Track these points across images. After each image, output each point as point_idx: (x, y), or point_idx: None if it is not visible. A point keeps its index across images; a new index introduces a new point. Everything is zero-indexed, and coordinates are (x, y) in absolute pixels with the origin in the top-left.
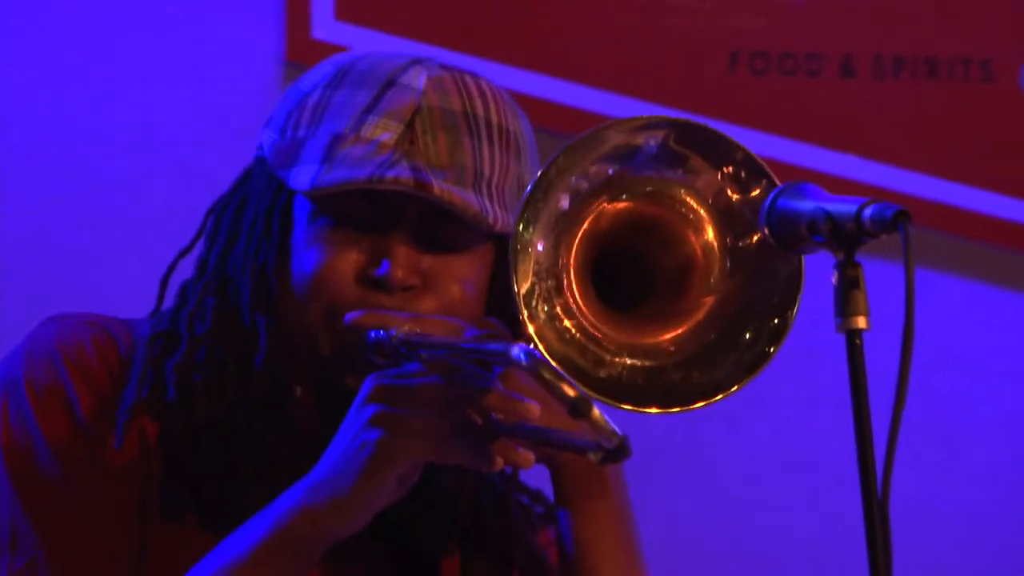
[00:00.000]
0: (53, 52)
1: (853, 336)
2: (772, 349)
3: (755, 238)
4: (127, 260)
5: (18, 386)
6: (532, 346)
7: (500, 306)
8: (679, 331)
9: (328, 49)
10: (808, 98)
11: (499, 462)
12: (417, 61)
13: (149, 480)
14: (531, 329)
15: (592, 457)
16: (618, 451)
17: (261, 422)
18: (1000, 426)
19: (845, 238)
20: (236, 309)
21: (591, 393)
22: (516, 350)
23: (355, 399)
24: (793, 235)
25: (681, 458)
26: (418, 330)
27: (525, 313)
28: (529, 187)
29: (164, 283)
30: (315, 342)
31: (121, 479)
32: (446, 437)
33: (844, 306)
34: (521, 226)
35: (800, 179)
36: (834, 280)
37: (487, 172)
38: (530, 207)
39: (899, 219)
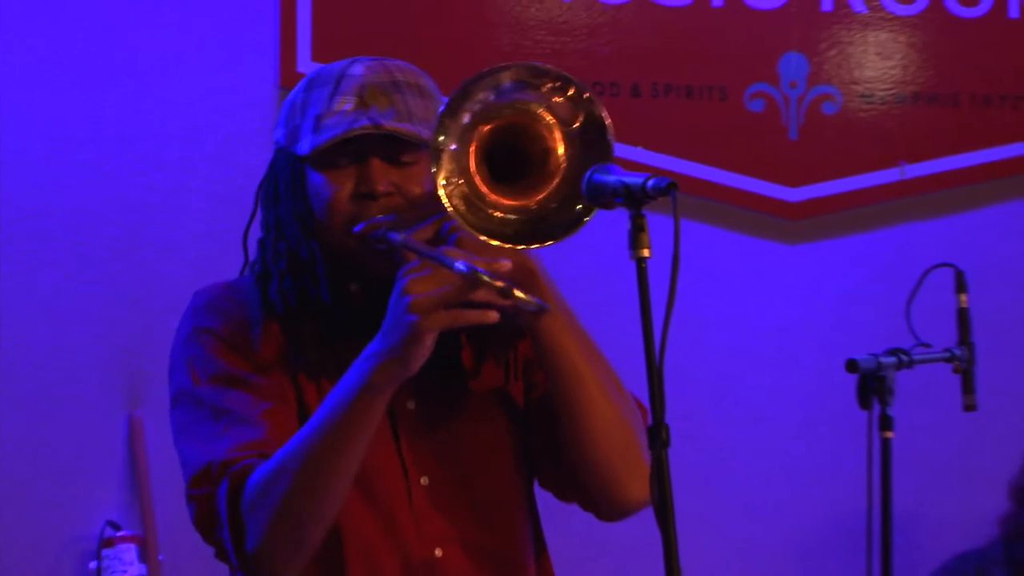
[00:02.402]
0: (61, 76)
1: (640, 262)
2: (586, 216)
3: (576, 125)
4: (133, 266)
5: (198, 332)
6: (446, 204)
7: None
8: (544, 194)
9: None
10: (611, 111)
11: (493, 316)
12: (355, 60)
13: (285, 355)
14: (445, 201)
15: (531, 309)
16: (540, 308)
17: (334, 309)
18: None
19: (636, 200)
20: (296, 245)
21: (481, 234)
22: (459, 264)
23: (394, 290)
24: (603, 198)
25: None
26: (402, 230)
27: (442, 191)
28: (440, 110)
29: (244, 243)
30: (343, 249)
31: (272, 359)
32: (452, 312)
33: (635, 243)
34: (439, 136)
35: (607, 163)
36: (629, 227)
37: (415, 111)
38: (442, 124)
39: (670, 187)
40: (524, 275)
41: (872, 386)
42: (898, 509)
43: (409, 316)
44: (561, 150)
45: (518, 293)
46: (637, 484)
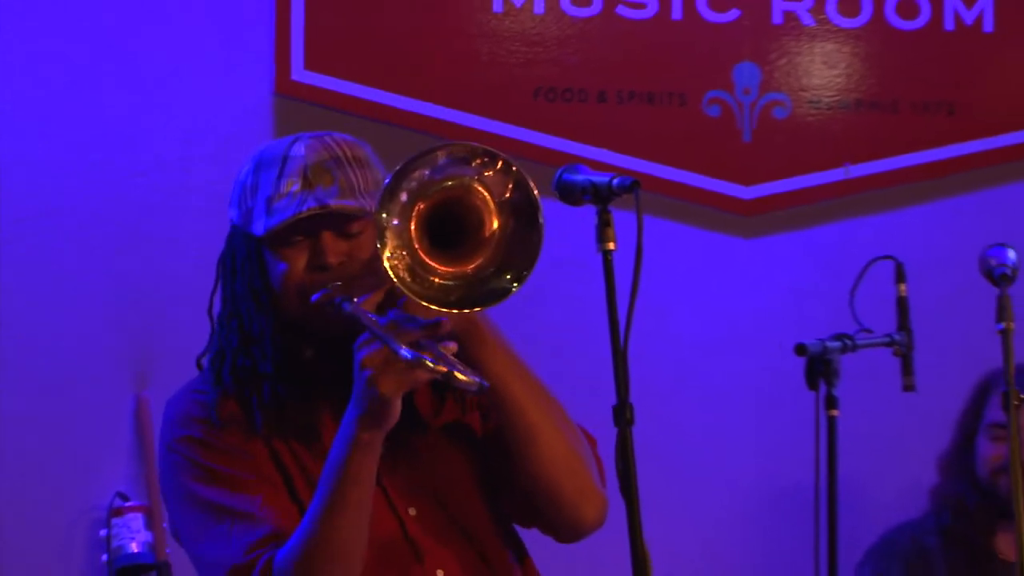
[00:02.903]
0: (69, 84)
1: (606, 254)
2: (516, 285)
3: (507, 195)
4: (137, 259)
5: (177, 442)
6: (391, 276)
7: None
8: (480, 260)
9: (301, 88)
10: (579, 115)
11: (443, 369)
12: (297, 138)
13: (251, 433)
14: (391, 274)
15: (472, 390)
16: (480, 388)
17: (284, 377)
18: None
19: (602, 197)
20: (247, 321)
21: (424, 301)
22: (403, 352)
23: (354, 362)
24: (572, 195)
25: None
26: (353, 297)
27: (387, 264)
28: (381, 190)
29: (210, 314)
30: (299, 318)
31: (244, 443)
32: (408, 374)
33: (601, 236)
34: (382, 214)
35: (576, 162)
36: (596, 221)
37: (356, 184)
38: (383, 202)
39: (633, 186)
40: (467, 327)
41: (819, 368)
42: (842, 480)
43: (372, 389)
44: (494, 219)
45: (459, 376)
46: (589, 508)
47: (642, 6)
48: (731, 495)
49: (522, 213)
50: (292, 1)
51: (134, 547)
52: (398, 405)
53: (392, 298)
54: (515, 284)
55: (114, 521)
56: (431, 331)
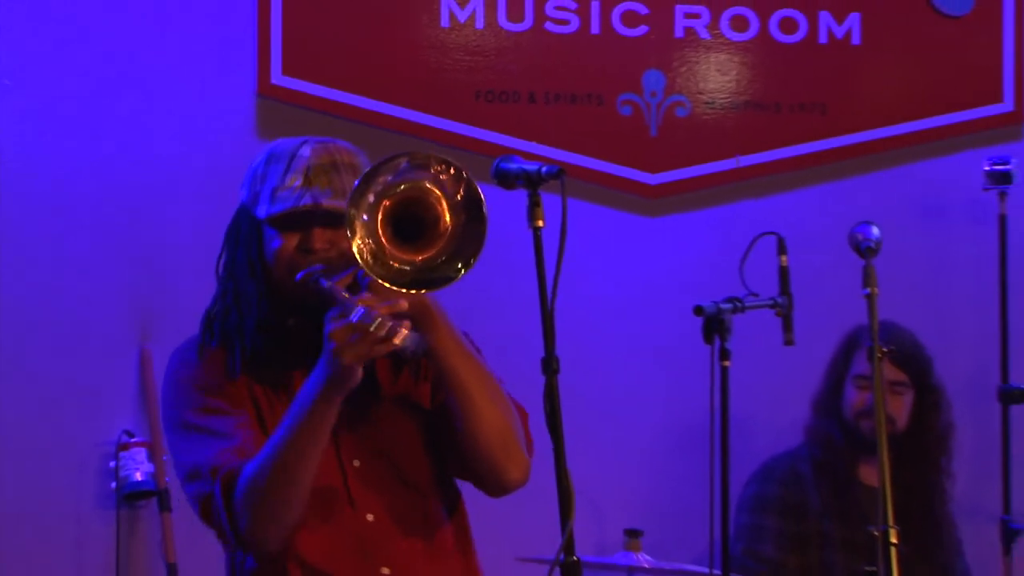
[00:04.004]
0: (73, 88)
1: (536, 230)
2: (464, 270)
3: (458, 196)
4: (141, 233)
5: (177, 382)
6: (358, 260)
7: None
8: (433, 250)
9: (279, 90)
10: (513, 114)
11: (397, 345)
12: (305, 141)
13: (234, 378)
14: (359, 258)
15: (408, 352)
16: (414, 353)
17: (273, 340)
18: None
19: (532, 182)
20: (243, 283)
21: (384, 281)
22: (353, 316)
23: (324, 333)
24: (507, 181)
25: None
26: (326, 274)
27: (356, 250)
28: (351, 192)
29: (217, 272)
30: (285, 290)
31: (229, 386)
32: (369, 345)
33: (531, 215)
34: (352, 209)
35: (510, 154)
36: (527, 203)
37: (348, 187)
38: (353, 200)
39: (559, 173)
40: (420, 310)
41: (714, 326)
42: (734, 420)
43: (336, 359)
44: (447, 217)
45: (396, 341)
46: (515, 471)
47: (566, 22)
48: (641, 433)
49: (471, 211)
50: (272, 16)
51: (138, 476)
52: (359, 372)
53: (358, 281)
54: (463, 269)
55: (121, 454)
56: (390, 308)
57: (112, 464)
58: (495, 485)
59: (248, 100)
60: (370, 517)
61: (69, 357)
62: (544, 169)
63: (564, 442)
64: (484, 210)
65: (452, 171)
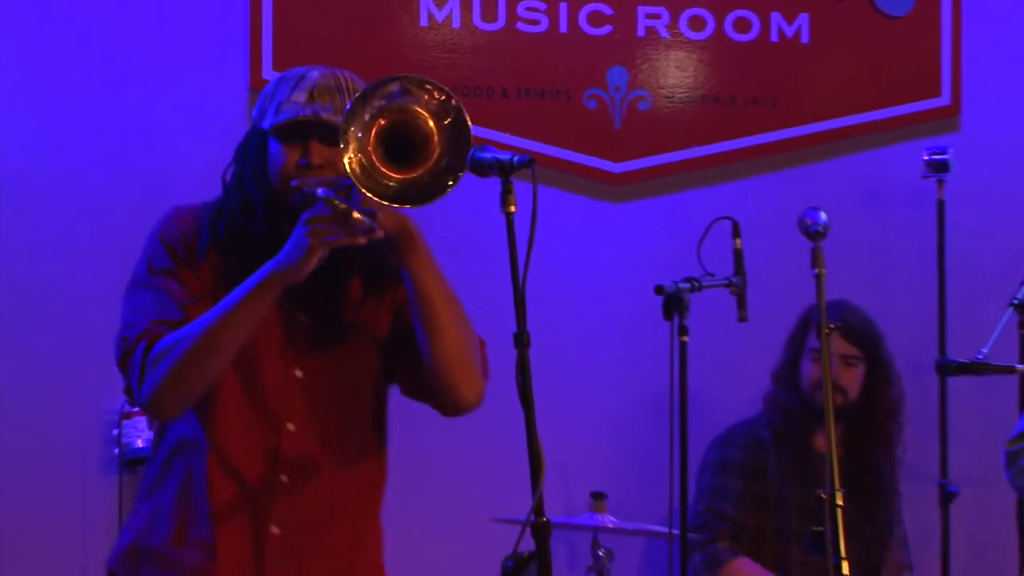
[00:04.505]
0: (81, 85)
1: (509, 215)
2: (452, 183)
3: (447, 121)
4: (145, 211)
5: (161, 237)
6: (347, 171)
7: None
8: (422, 169)
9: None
10: (488, 107)
11: (362, 240)
12: (314, 67)
13: (217, 272)
14: (347, 168)
15: (363, 227)
16: (370, 228)
17: (268, 239)
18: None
19: (505, 170)
20: (248, 195)
21: (372, 195)
22: (320, 191)
23: (299, 222)
24: (482, 170)
25: None
26: (320, 185)
27: (347, 161)
28: (346, 109)
29: (224, 180)
30: (283, 197)
31: (207, 273)
32: (336, 237)
33: (504, 201)
34: (348, 125)
35: (485, 144)
36: (500, 190)
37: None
38: (350, 117)
39: (530, 162)
40: (401, 229)
41: (673, 304)
42: (691, 391)
43: (306, 238)
44: (436, 138)
45: (356, 215)
46: (471, 392)
47: (536, 22)
48: (605, 403)
49: (459, 135)
50: (263, 16)
51: (139, 443)
52: (314, 262)
53: (352, 199)
54: (451, 184)
55: (124, 423)
56: (367, 213)
57: (115, 432)
58: (451, 404)
59: (241, 94)
60: (291, 427)
61: (75, 332)
62: (516, 159)
63: (535, 412)
64: (469, 131)
65: (443, 98)
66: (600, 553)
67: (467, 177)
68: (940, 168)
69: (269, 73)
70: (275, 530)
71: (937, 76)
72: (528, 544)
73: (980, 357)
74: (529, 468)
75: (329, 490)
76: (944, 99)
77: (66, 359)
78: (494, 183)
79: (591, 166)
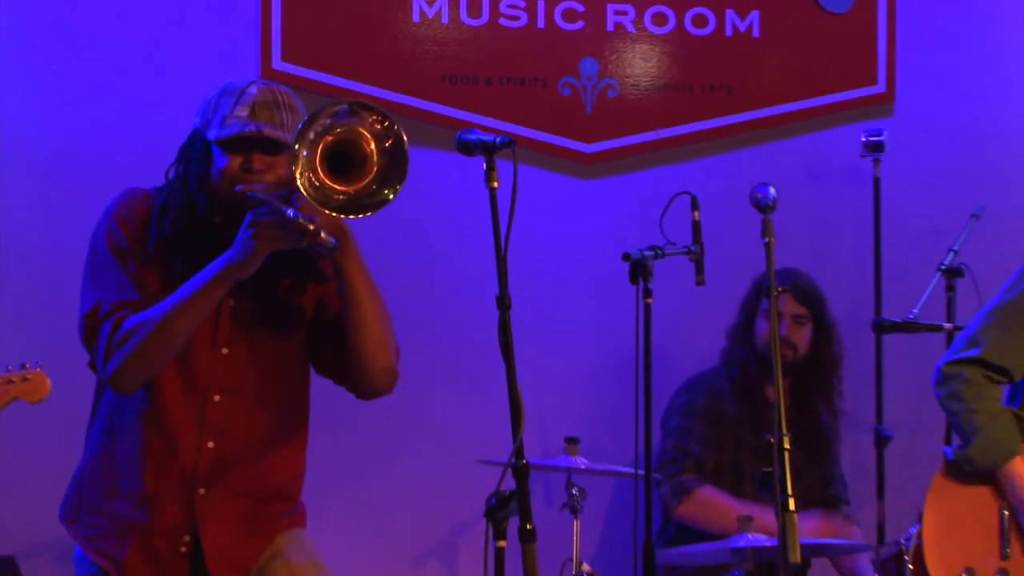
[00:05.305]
0: (102, 72)
1: (492, 190)
2: (391, 195)
3: (388, 143)
4: None
5: (118, 219)
6: (297, 190)
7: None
8: (361, 184)
9: (279, 75)
10: (473, 94)
11: (301, 243)
12: (253, 81)
13: (163, 259)
14: (298, 183)
15: (327, 246)
16: (332, 247)
17: (206, 231)
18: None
19: (488, 150)
20: (191, 193)
21: (318, 204)
22: (289, 212)
23: (243, 223)
24: (468, 149)
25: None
26: (260, 191)
27: (297, 179)
28: (298, 128)
29: (166, 175)
30: (223, 199)
31: (154, 258)
32: (279, 239)
33: (488, 178)
34: (296, 145)
35: (471, 127)
36: (484, 167)
37: (286, 123)
38: (298, 138)
39: (511, 143)
40: (337, 233)
41: (639, 270)
42: (655, 346)
43: (250, 240)
44: (375, 158)
45: (323, 236)
46: (386, 380)
47: (516, 18)
48: (578, 358)
49: (397, 158)
50: (272, 12)
51: None
52: (258, 261)
53: (291, 201)
54: (390, 195)
55: None
56: (310, 220)
57: None
58: (368, 390)
59: None
60: (216, 398)
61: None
62: (498, 140)
63: (515, 365)
64: (407, 153)
65: (386, 122)
66: (574, 491)
67: (455, 156)
68: (876, 148)
69: (279, 65)
70: (201, 491)
71: (873, 66)
72: (509, 483)
73: (911, 317)
74: (510, 415)
75: (253, 455)
76: (880, 87)
77: (61, 339)
78: (478, 161)
79: (565, 147)
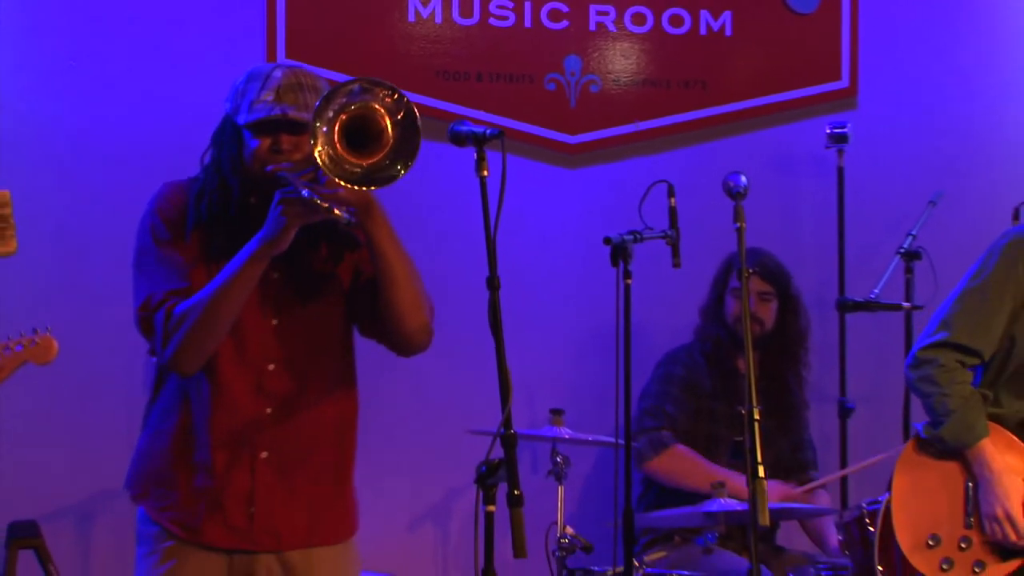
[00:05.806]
0: (104, 66)
1: (482, 179)
2: (403, 171)
3: (400, 116)
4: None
5: (159, 212)
6: (318, 162)
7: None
8: (378, 156)
9: None
10: (465, 89)
11: (324, 206)
12: (278, 65)
13: (203, 243)
14: (317, 158)
15: (344, 220)
16: (348, 221)
17: (240, 214)
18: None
19: (479, 141)
20: (226, 177)
21: (338, 179)
22: (305, 192)
23: (273, 202)
24: (460, 141)
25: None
26: (288, 170)
27: (316, 154)
28: (316, 106)
29: (202, 161)
30: (255, 179)
31: (193, 242)
32: (305, 213)
33: (478, 166)
34: (316, 122)
35: (462, 119)
36: (475, 157)
37: (311, 104)
38: (317, 115)
39: (500, 134)
40: (365, 204)
41: (619, 253)
42: (634, 324)
43: (280, 217)
44: (390, 131)
45: (336, 212)
46: (421, 336)
47: (505, 18)
48: (563, 335)
49: (410, 130)
50: (277, 12)
51: None
52: (291, 235)
53: (318, 178)
54: (403, 171)
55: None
56: (334, 193)
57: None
58: (405, 347)
59: None
60: (271, 367)
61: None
62: (488, 131)
63: (504, 342)
64: (418, 125)
65: (396, 96)
66: (558, 460)
67: (447, 146)
68: (840, 140)
69: (283, 61)
70: (264, 455)
71: (838, 63)
72: (498, 452)
73: (872, 297)
74: (499, 388)
75: (309, 420)
76: (844, 82)
77: (83, 326)
78: (469, 152)
79: (551, 138)
